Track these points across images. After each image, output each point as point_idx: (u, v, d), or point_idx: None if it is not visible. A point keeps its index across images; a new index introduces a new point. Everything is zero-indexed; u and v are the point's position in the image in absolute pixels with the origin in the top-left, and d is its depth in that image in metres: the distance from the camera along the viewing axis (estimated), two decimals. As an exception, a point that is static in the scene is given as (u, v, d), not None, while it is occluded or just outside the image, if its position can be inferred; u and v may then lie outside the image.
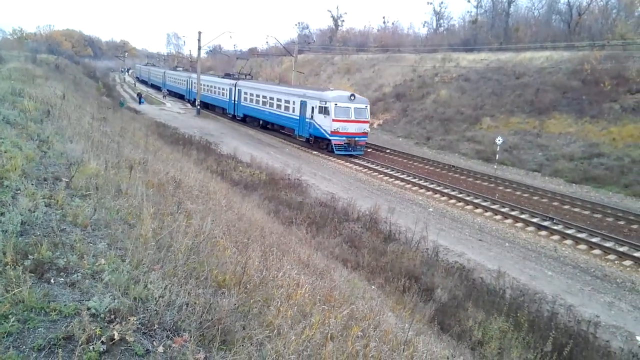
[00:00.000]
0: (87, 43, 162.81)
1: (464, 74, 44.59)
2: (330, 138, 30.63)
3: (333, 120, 30.21)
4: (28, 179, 6.72)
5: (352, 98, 31.23)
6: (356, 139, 31.02)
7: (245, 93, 43.65)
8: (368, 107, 32.26)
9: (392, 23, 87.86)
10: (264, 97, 39.70)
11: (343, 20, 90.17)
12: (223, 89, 49.87)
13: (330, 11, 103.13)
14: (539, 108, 34.32)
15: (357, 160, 30.49)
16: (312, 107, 31.85)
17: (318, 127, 31.62)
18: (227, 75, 53.44)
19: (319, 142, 32.58)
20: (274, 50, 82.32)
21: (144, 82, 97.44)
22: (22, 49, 64.35)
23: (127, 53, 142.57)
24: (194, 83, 56.40)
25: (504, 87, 39.28)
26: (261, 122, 41.71)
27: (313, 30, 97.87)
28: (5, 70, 27.99)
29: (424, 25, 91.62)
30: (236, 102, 45.95)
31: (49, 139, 9.79)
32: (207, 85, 54.82)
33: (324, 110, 30.72)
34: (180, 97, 67.11)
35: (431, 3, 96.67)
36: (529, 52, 43.32)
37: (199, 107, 52.02)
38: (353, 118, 30.81)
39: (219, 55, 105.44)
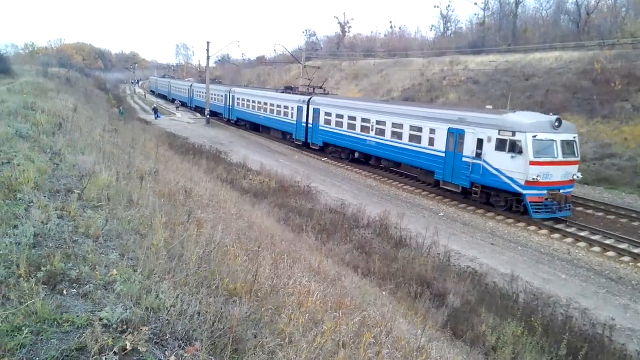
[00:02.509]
0: (98, 55, 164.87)
1: (472, 77, 44.45)
2: (524, 192, 18.69)
3: (530, 162, 18.39)
4: (41, 191, 6.81)
5: (557, 125, 19.03)
6: (562, 190, 19.10)
7: (328, 115, 32.29)
8: (577, 138, 19.99)
9: (399, 27, 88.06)
10: (373, 122, 27.53)
11: (350, 26, 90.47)
12: (286, 108, 38.37)
13: (337, 17, 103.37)
14: (549, 109, 33.91)
15: (365, 167, 29.81)
16: (479, 140, 20.29)
17: (493, 171, 19.63)
18: (289, 90, 41.65)
19: (489, 195, 20.91)
20: (281, 58, 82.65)
21: (162, 96, 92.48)
22: (34, 63, 65.16)
23: (136, 64, 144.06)
24: (237, 99, 48.63)
25: (514, 88, 39.04)
26: (366, 157, 30.01)
27: (320, 37, 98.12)
28: (17, 84, 28.42)
29: (431, 28, 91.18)
30: (311, 125, 34.58)
31: (60, 151, 9.92)
32: (255, 102, 44.31)
33: (511, 146, 18.92)
34: (214, 114, 55.06)
35: (438, 6, 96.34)
36: (537, 52, 43.07)
37: (208, 116, 52.35)
38: (560, 158, 18.93)
39: (227, 65, 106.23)
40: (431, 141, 23.15)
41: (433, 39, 74.04)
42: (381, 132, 26.85)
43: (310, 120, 34.76)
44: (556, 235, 17.95)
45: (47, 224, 5.52)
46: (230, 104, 50.50)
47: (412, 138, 24.41)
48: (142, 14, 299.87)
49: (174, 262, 5.18)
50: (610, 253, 16.28)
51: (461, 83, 44.70)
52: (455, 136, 21.65)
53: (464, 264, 14.47)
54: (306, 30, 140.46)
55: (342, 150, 31.90)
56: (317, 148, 34.44)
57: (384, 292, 9.96)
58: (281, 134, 40.39)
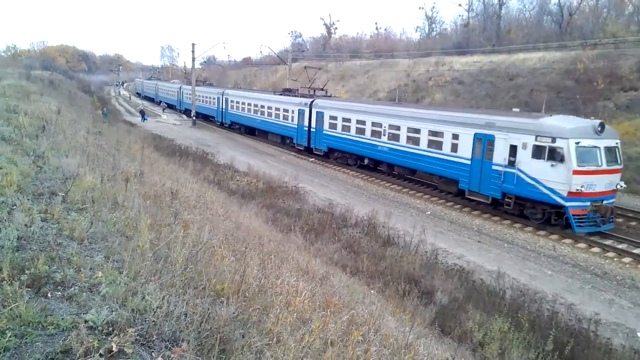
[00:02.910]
0: (81, 58, 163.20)
1: (457, 77, 44.84)
2: (566, 204, 16.99)
3: (574, 172, 16.81)
4: (24, 194, 6.71)
5: (601, 130, 17.49)
6: (605, 202, 17.60)
7: (334, 118, 30.33)
8: (619, 144, 18.48)
9: (385, 29, 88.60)
10: (386, 126, 25.71)
11: (336, 28, 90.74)
12: (285, 112, 36.25)
13: (322, 19, 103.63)
14: (534, 108, 34.46)
15: (353, 167, 29.68)
16: (512, 146, 18.52)
17: (530, 181, 17.91)
18: (288, 92, 39.53)
19: (523, 207, 19.11)
20: (268, 60, 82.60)
21: (148, 98, 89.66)
22: (16, 65, 64.25)
23: (121, 67, 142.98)
24: (231, 102, 46.64)
25: (498, 88, 39.49)
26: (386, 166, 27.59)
27: (306, 39, 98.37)
28: (-1, 87, 27.99)
29: (416, 30, 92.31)
30: (314, 130, 32.43)
31: (44, 154, 9.79)
32: (251, 105, 42.46)
33: (551, 153, 17.25)
34: (205, 117, 55.13)
35: (423, 8, 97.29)
36: (521, 53, 43.60)
37: (194, 118, 52.11)
38: (604, 166, 17.36)
39: (213, 66, 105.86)
40: (454, 147, 21.32)
41: (418, 40, 74.65)
42: (395, 137, 24.96)
43: (313, 125, 32.59)
44: (542, 232, 18.15)
45: (30, 227, 5.45)
46: (224, 107, 48.58)
47: (431, 144, 22.59)
48: (126, 16, 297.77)
49: (160, 263, 5.15)
50: (595, 249, 16.51)
51: (447, 83, 45.08)
52: (484, 142, 19.84)
53: (451, 261, 14.57)
54: (292, 31, 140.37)
55: (349, 156, 29.97)
56: (320, 154, 32.26)
57: (372, 291, 9.99)
58: (280, 139, 38.48)
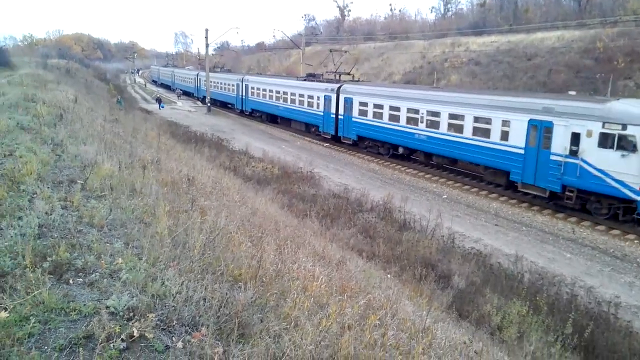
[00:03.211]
0: (97, 46, 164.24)
1: (474, 58, 44.09)
2: (639, 198, 15.48)
3: None
4: (44, 182, 6.82)
5: None
6: None
7: (364, 105, 28.30)
8: None
9: (399, 10, 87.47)
10: (424, 112, 23.79)
11: (349, 10, 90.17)
12: (310, 98, 34.17)
13: (336, 1, 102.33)
14: (552, 89, 33.83)
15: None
16: (574, 134, 17.02)
17: (596, 173, 16.38)
18: (312, 77, 37.40)
19: (586, 201, 17.43)
20: (281, 44, 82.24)
21: (164, 86, 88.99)
22: (33, 55, 65.04)
23: (136, 54, 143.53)
24: (252, 89, 44.43)
25: (516, 69, 38.76)
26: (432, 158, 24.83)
27: (320, 22, 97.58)
28: (17, 76, 28.36)
29: (431, 10, 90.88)
30: (342, 117, 30.50)
31: (62, 143, 9.93)
32: (273, 92, 40.35)
33: (621, 142, 15.76)
34: (223, 105, 53.90)
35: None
36: (539, 32, 42.65)
37: (209, 104, 52.24)
38: None
39: (227, 52, 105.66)
40: (504, 135, 19.53)
41: (434, 20, 73.53)
42: (434, 124, 23.11)
43: (341, 111, 30.51)
44: (560, 215, 17.93)
45: (51, 214, 5.55)
46: (244, 94, 46.32)
47: (477, 131, 20.84)
48: (140, 3, 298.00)
49: (179, 249, 5.21)
50: (615, 231, 16.26)
51: (463, 65, 44.37)
52: (540, 129, 18.10)
53: (468, 245, 14.49)
54: (305, 15, 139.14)
55: (381, 145, 27.96)
56: (349, 142, 30.25)
57: (388, 275, 10.00)
58: (304, 127, 36.42)
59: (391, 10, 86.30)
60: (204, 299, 4.18)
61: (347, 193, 18.83)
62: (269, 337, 4.02)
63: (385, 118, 26.51)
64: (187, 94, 69.94)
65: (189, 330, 3.76)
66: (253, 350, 3.65)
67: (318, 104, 33.13)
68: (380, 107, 26.85)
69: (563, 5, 54.27)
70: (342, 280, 6.87)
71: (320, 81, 34.89)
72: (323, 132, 33.02)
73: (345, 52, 42.30)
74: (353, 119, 29.35)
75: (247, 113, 46.27)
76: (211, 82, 55.08)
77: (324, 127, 32.85)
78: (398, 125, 25.60)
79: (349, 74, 35.33)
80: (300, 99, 35.56)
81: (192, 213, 6.70)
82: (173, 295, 4.11)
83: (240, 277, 5.07)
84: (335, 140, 31.97)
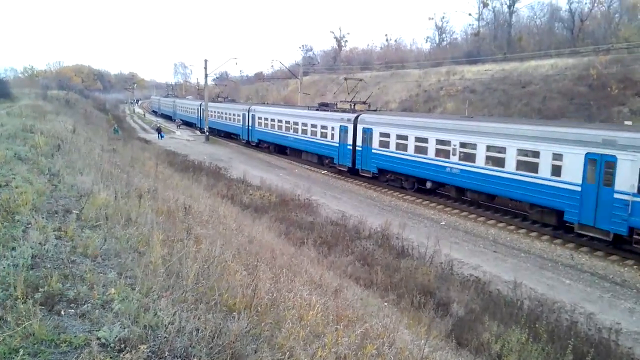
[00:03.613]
0: (97, 77, 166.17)
1: (469, 86, 44.70)
2: None
3: None
4: (39, 212, 6.80)
5: None
6: None
7: (385, 135, 26.65)
8: None
9: (395, 40, 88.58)
10: (456, 144, 21.98)
11: (346, 40, 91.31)
12: (324, 129, 32.68)
13: (333, 32, 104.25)
14: (547, 115, 34.23)
15: (365, 178, 28.59)
16: None
17: None
18: (325, 107, 36.09)
19: None
20: (279, 74, 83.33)
21: (165, 116, 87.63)
22: (33, 86, 65.80)
23: (135, 84, 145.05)
24: (259, 119, 43.35)
25: (511, 96, 39.25)
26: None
27: (317, 52, 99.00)
28: (16, 107, 28.61)
29: (426, 40, 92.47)
30: (361, 148, 28.68)
31: (59, 173, 9.94)
32: (282, 122, 38.94)
33: None
34: (227, 135, 53.18)
35: (433, 18, 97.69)
36: (533, 60, 43.37)
37: (207, 133, 52.60)
38: None
39: (227, 82, 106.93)
40: (556, 170, 17.66)
41: (429, 50, 74.73)
42: (469, 157, 21.22)
43: (359, 143, 28.73)
44: (558, 241, 17.88)
45: (45, 245, 5.51)
46: (250, 124, 45.12)
47: (522, 165, 18.90)
48: (140, 35, 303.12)
49: (172, 279, 5.16)
50: (614, 257, 16.19)
51: (458, 93, 44.93)
52: (600, 164, 16.31)
53: (467, 272, 14.39)
54: (303, 45, 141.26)
55: (405, 179, 26.10)
56: (369, 176, 28.38)
57: (385, 304, 9.90)
58: (317, 158, 34.78)
59: (387, 40, 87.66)
60: (197, 330, 4.12)
61: (345, 220, 18.78)
62: (263, 368, 3.96)
63: (411, 150, 24.66)
64: (188, 124, 69.70)
65: (181, 362, 3.70)
66: (245, 381, 3.59)
67: (333, 135, 31.50)
68: (405, 138, 25.05)
69: (556, 33, 55.33)
70: (339, 308, 6.80)
71: (335, 111, 33.36)
72: (339, 164, 31.09)
73: (361, 80, 39.49)
74: (373, 151, 27.50)
75: (254, 144, 45.07)
76: (215, 112, 55.16)
77: (339, 159, 30.88)
78: (426, 158, 23.69)
79: (364, 102, 33.57)
80: (313, 129, 34.03)
81: (187, 242, 6.67)
82: (165, 325, 4.05)
83: (234, 307, 5.02)
84: (352, 173, 30.19)
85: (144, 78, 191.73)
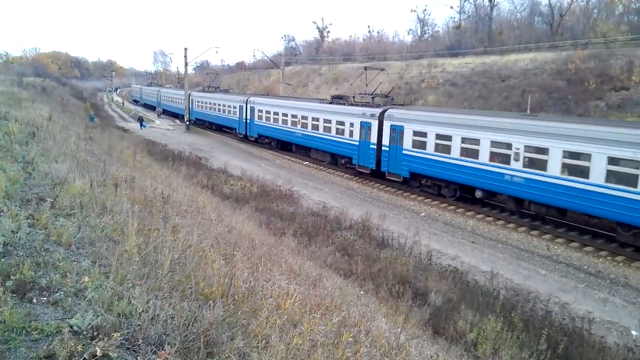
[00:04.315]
0: (74, 64, 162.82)
1: (450, 79, 44.97)
2: None
3: None
4: (11, 200, 6.67)
5: None
6: None
7: (421, 135, 23.00)
8: None
9: (377, 32, 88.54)
10: (520, 147, 18.50)
11: (329, 31, 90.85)
12: (340, 124, 28.92)
13: (315, 23, 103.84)
14: (526, 109, 34.65)
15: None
16: None
17: None
18: (338, 99, 31.85)
19: None
20: (261, 64, 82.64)
21: (149, 107, 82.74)
22: (8, 73, 64.17)
23: (114, 72, 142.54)
24: (259, 112, 39.35)
25: (490, 90, 39.62)
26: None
27: (299, 42, 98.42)
28: (-10, 94, 27.90)
29: (408, 32, 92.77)
30: (387, 148, 24.97)
31: (33, 160, 9.75)
32: (287, 116, 35.10)
33: None
34: (219, 129, 49.74)
35: (415, 10, 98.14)
36: (513, 54, 43.79)
37: (187, 122, 52.02)
38: None
39: (207, 71, 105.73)
40: None
41: (411, 42, 74.87)
42: (537, 163, 17.87)
43: (385, 142, 25.08)
44: (535, 232, 18.19)
45: (17, 232, 5.40)
46: (248, 117, 41.15)
47: (613, 177, 15.69)
48: (118, 22, 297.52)
49: (148, 268, 5.12)
50: (589, 248, 16.55)
51: (439, 85, 45.20)
52: None
53: (445, 262, 14.57)
54: (285, 35, 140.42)
55: (445, 185, 22.59)
56: (398, 180, 24.76)
57: (361, 292, 9.97)
58: (330, 157, 31.13)
59: (369, 31, 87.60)
60: (172, 317, 4.10)
61: (326, 211, 18.83)
62: (238, 356, 3.95)
63: (455, 152, 21.11)
64: (174, 115, 65.52)
65: (155, 349, 3.68)
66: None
67: (351, 132, 27.80)
68: (447, 138, 21.50)
69: (536, 28, 55.87)
70: (317, 297, 6.82)
71: (353, 104, 29.39)
72: (359, 165, 27.34)
73: (382, 70, 35.39)
74: (404, 152, 23.80)
75: (252, 139, 41.13)
76: (204, 103, 51.86)
77: (360, 160, 27.14)
78: (476, 163, 20.12)
79: (387, 95, 30.09)
80: (326, 125, 30.12)
81: (164, 231, 6.61)
82: (139, 313, 4.02)
83: (210, 296, 5.00)
84: (376, 176, 26.71)
85: (123, 66, 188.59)
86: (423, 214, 20.97)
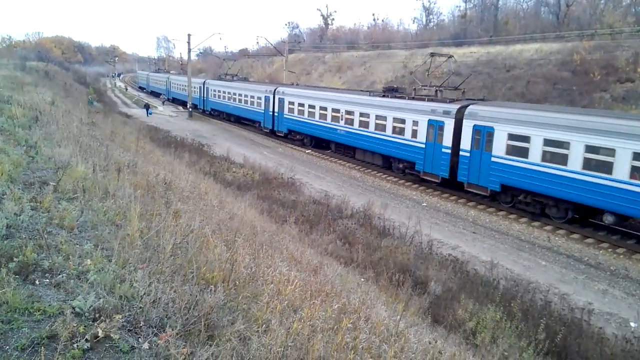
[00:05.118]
0: (77, 49, 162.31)
1: (454, 68, 44.69)
2: None
3: None
4: (15, 183, 6.70)
5: None
6: None
7: (520, 139, 18.39)
8: None
9: (382, 20, 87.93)
10: None
11: (333, 19, 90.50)
12: (400, 122, 24.39)
13: (319, 10, 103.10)
14: (530, 100, 34.50)
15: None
16: None
17: None
18: (391, 92, 27.27)
19: None
20: (264, 51, 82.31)
21: (156, 94, 77.79)
22: (11, 57, 64.02)
23: (117, 58, 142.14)
24: (290, 104, 34.65)
25: (495, 80, 39.43)
26: None
27: (303, 30, 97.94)
28: (-7, 78, 27.86)
29: (413, 21, 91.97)
30: (468, 154, 20.53)
31: (36, 144, 9.77)
32: (327, 110, 30.48)
33: None
34: (238, 121, 45.57)
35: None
36: (518, 44, 43.51)
37: (190, 109, 51.94)
38: None
39: (210, 57, 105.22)
40: None
41: (416, 31, 74.44)
42: None
43: (465, 146, 20.63)
44: (536, 224, 18.19)
45: (20, 215, 5.44)
46: (276, 109, 36.83)
47: None
48: (122, 7, 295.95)
49: (150, 252, 5.15)
50: (589, 240, 16.56)
51: (443, 75, 44.92)
52: None
53: (446, 252, 14.61)
54: (289, 22, 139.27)
55: (554, 204, 17.96)
56: (485, 194, 20.13)
57: (362, 280, 10.02)
58: (382, 160, 26.72)
59: (374, 20, 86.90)
60: (173, 301, 4.14)
61: (328, 199, 18.84)
62: (238, 340, 3.99)
63: (575, 164, 16.64)
64: (185, 104, 60.06)
65: (156, 332, 3.72)
66: (220, 351, 3.62)
67: (414, 131, 23.46)
68: (562, 145, 17.10)
69: (542, 18, 55.45)
70: (318, 284, 6.87)
71: (417, 98, 24.67)
72: (424, 172, 23.12)
73: (451, 56, 30.36)
74: (493, 159, 19.47)
75: (281, 135, 36.88)
76: (223, 92, 47.67)
77: (426, 166, 22.96)
78: (608, 179, 15.71)
79: (457, 88, 25.38)
80: (379, 122, 25.80)
81: (166, 216, 6.63)
82: (141, 296, 4.06)
83: (212, 280, 5.03)
84: (451, 187, 22.38)
85: (126, 51, 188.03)
86: (425, 204, 20.98)
